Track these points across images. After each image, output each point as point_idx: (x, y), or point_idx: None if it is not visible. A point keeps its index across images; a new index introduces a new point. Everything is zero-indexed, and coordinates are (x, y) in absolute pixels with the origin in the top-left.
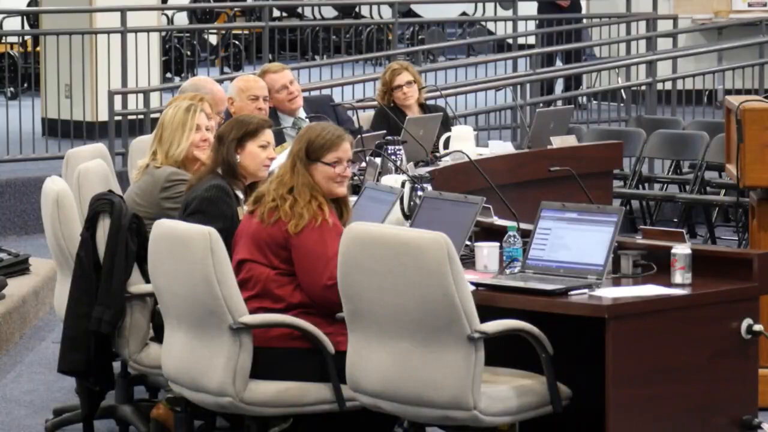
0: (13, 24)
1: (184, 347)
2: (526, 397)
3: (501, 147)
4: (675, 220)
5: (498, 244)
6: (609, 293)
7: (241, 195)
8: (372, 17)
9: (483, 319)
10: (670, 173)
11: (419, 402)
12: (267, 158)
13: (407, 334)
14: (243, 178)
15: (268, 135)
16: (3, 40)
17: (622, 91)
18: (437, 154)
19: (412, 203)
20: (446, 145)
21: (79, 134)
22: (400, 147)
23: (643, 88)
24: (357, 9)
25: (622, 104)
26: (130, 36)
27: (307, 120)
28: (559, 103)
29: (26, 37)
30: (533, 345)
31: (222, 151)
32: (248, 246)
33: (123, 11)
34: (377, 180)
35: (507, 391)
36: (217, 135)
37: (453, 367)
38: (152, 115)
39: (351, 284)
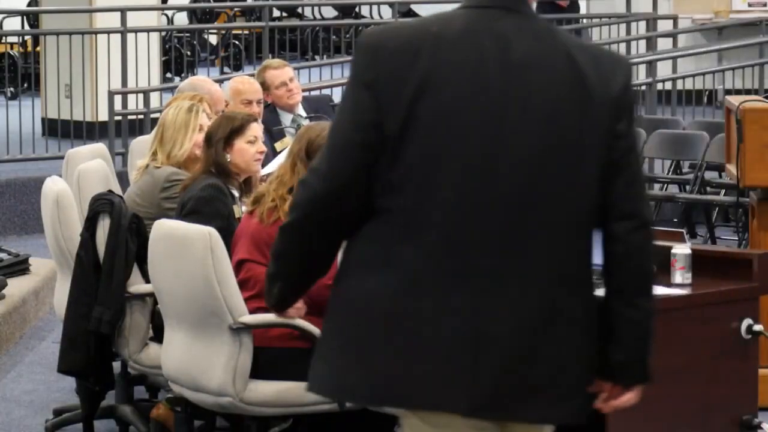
0: (13, 24)
1: (184, 347)
2: None
3: None
4: (675, 220)
5: None
6: None
7: (236, 193)
8: (372, 17)
9: None
10: (670, 173)
11: None
12: (257, 152)
13: None
14: (236, 175)
15: (254, 129)
16: (3, 40)
17: None
18: None
19: None
20: None
21: (79, 134)
22: None
23: (643, 88)
24: (357, 9)
25: None
26: (130, 36)
27: (307, 119)
28: None
29: (26, 37)
30: None
31: (211, 153)
32: (248, 246)
33: (123, 11)
34: None
35: None
36: (206, 136)
37: None
38: (152, 115)
39: None
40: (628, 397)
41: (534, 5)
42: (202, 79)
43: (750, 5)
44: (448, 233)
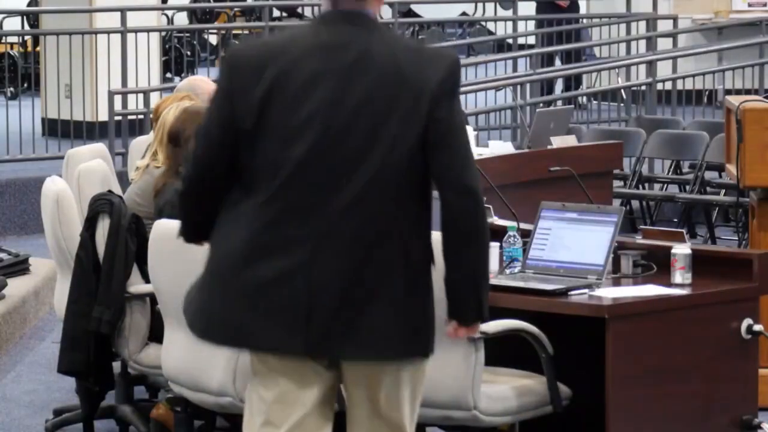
0: (13, 24)
1: (184, 347)
2: (526, 397)
3: (501, 147)
4: (675, 220)
5: (498, 244)
6: (609, 293)
7: None
8: None
9: None
10: (670, 173)
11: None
12: None
13: None
14: None
15: None
16: (3, 40)
17: (622, 91)
18: None
19: None
20: None
21: (79, 134)
22: None
23: (643, 88)
24: None
25: (622, 104)
26: (130, 36)
27: None
28: (559, 103)
29: (26, 37)
30: (533, 345)
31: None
32: None
33: (123, 11)
34: None
35: (507, 391)
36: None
37: (453, 367)
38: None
39: None
40: (467, 332)
41: (377, 16)
42: (200, 79)
43: (750, 5)
44: (288, 204)
